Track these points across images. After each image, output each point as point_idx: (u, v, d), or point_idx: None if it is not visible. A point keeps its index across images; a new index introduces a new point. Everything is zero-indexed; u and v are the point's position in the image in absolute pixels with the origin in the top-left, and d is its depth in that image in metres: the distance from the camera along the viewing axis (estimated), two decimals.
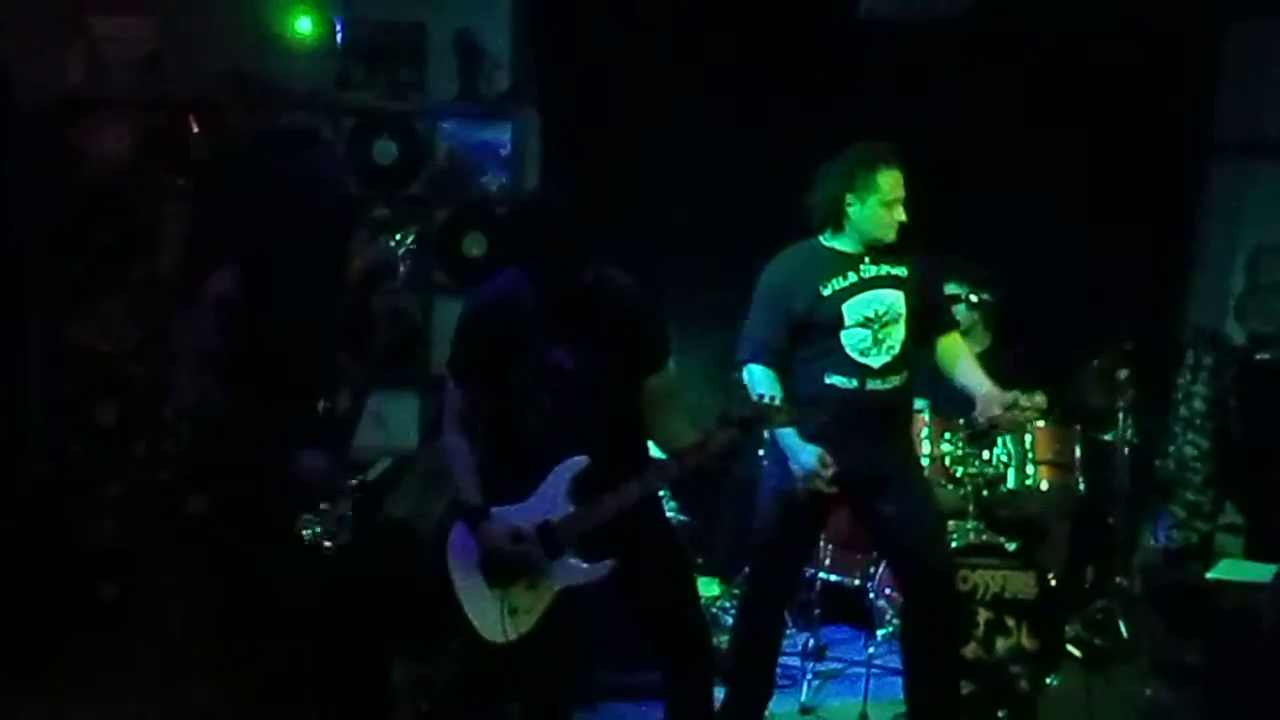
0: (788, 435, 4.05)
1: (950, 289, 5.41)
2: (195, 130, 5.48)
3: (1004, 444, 5.09)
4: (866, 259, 4.16)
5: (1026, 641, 4.68)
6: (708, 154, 5.72)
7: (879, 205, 4.09)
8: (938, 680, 4.22)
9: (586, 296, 3.57)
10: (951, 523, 4.97)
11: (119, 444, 5.47)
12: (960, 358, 4.33)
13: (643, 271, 3.87)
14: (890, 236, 4.13)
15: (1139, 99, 5.74)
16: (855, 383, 4.09)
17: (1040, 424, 5.18)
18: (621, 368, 3.59)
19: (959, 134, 5.62)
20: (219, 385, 3.55)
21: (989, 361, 5.49)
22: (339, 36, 5.62)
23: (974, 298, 5.36)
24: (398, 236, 4.59)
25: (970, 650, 4.65)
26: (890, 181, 4.08)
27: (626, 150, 5.71)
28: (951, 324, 4.41)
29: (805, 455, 4.01)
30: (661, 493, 4.94)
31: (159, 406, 5.48)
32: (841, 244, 4.19)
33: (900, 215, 4.10)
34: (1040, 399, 4.22)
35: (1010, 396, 4.14)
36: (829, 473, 3.98)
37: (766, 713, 4.51)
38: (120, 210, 5.47)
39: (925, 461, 5.01)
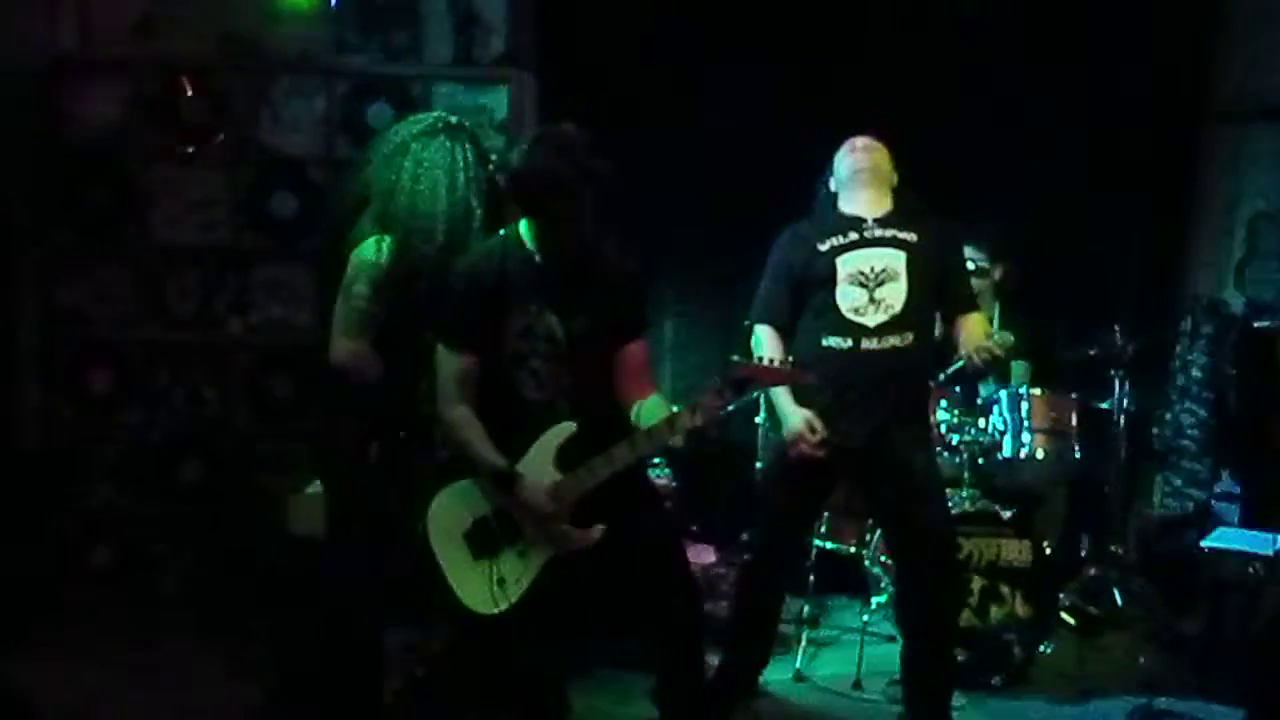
0: (780, 397, 4.05)
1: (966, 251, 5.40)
2: (189, 94, 5.44)
3: (1000, 412, 5.09)
4: (873, 221, 4.16)
5: (1021, 609, 4.68)
6: (709, 118, 5.69)
7: (842, 155, 4.24)
8: (934, 649, 4.20)
9: (579, 261, 3.57)
10: (947, 490, 4.97)
11: (113, 410, 5.45)
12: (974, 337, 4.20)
13: (642, 237, 3.87)
14: (861, 162, 4.18)
15: (1139, 64, 5.70)
16: (850, 342, 4.07)
17: (1036, 392, 5.17)
18: (607, 334, 3.59)
19: (957, 107, 5.60)
20: (371, 345, 3.71)
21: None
22: None
23: (982, 265, 5.35)
24: None
25: (964, 618, 4.65)
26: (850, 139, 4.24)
27: (625, 115, 5.67)
28: (970, 304, 4.28)
29: (793, 418, 4.01)
30: (658, 459, 4.98)
31: (153, 372, 5.47)
32: (846, 206, 4.22)
33: (863, 148, 4.20)
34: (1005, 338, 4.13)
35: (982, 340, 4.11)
36: (816, 438, 3.98)
37: (760, 680, 4.53)
38: (113, 174, 5.43)
39: None
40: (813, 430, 3.97)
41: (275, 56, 5.53)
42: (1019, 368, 5.54)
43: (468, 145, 3.83)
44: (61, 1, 5.49)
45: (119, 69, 5.45)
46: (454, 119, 3.90)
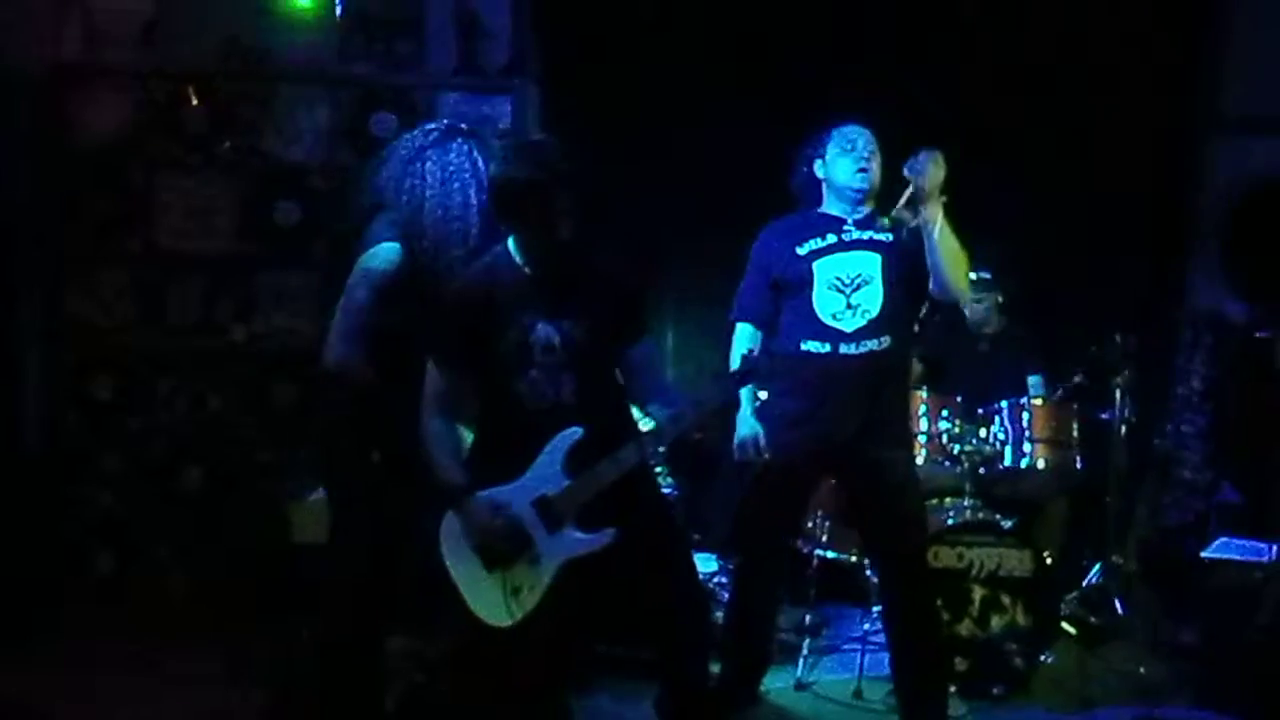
0: (744, 403, 4.09)
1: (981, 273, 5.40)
2: (192, 102, 5.45)
3: (1001, 422, 5.09)
4: (851, 223, 4.18)
5: (1022, 619, 4.68)
6: (711, 126, 5.70)
7: (839, 154, 4.17)
8: (918, 660, 4.21)
9: (570, 269, 3.60)
10: (948, 500, 4.98)
11: (116, 416, 5.46)
12: None
13: (643, 243, 3.87)
14: (859, 183, 4.14)
15: (1142, 74, 5.72)
16: (828, 347, 4.09)
17: (1037, 402, 5.17)
18: (605, 340, 3.62)
19: (957, 116, 5.60)
20: (365, 352, 3.68)
21: (1001, 344, 5.52)
22: (338, 8, 5.59)
23: (983, 277, 5.36)
24: None
25: (965, 627, 4.66)
26: (847, 133, 4.18)
27: (627, 124, 5.69)
28: None
29: (743, 426, 4.09)
30: (659, 468, 4.98)
31: (156, 378, 5.48)
32: (830, 208, 4.24)
33: (864, 164, 4.14)
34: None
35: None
36: (755, 456, 4.08)
37: (762, 688, 4.54)
38: (116, 182, 5.44)
39: (922, 439, 5.02)
40: (757, 449, 4.08)
41: (279, 65, 5.54)
42: (1034, 381, 5.52)
43: (480, 149, 3.84)
44: (66, 9, 5.51)
45: (123, 77, 5.46)
46: (463, 125, 3.91)
